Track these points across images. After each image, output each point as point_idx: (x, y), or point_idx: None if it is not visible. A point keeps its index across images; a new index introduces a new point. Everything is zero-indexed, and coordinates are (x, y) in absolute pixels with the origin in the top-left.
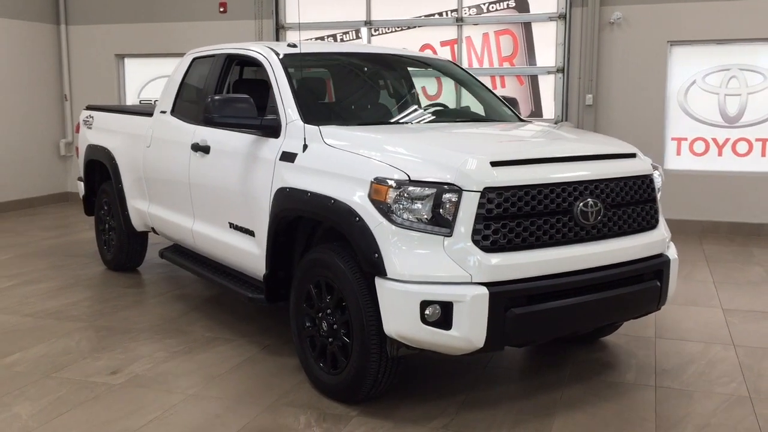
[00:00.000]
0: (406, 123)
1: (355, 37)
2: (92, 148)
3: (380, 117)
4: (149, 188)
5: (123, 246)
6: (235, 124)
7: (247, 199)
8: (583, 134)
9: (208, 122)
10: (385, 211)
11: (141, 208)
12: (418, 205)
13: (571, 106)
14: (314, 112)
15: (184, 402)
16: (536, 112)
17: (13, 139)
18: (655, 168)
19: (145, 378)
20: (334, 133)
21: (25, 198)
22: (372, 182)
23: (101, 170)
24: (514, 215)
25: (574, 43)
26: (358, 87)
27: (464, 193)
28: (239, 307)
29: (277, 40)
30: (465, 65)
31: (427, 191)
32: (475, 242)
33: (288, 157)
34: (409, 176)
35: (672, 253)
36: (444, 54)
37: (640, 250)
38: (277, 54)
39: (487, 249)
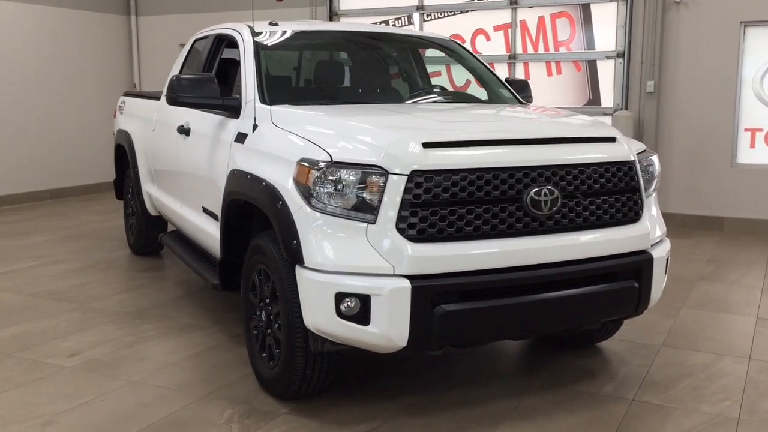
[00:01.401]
0: (372, 103)
1: (407, 23)
2: (119, 133)
3: (348, 97)
4: (155, 172)
5: (142, 230)
6: (197, 103)
7: (211, 181)
8: (565, 117)
9: (172, 102)
10: (306, 194)
11: (151, 192)
12: (341, 189)
13: (632, 94)
14: (276, 92)
15: (122, 389)
16: (594, 101)
17: (84, 127)
18: (645, 154)
19: (99, 362)
20: (283, 113)
21: (90, 184)
22: (297, 163)
23: (125, 155)
24: (447, 202)
25: (636, 25)
26: (334, 67)
27: (390, 176)
28: (232, 296)
29: None
30: (519, 51)
31: (350, 174)
32: (400, 231)
33: (241, 138)
34: (331, 157)
35: (660, 250)
36: (497, 39)
37: (612, 246)
38: (253, 32)
39: (413, 238)
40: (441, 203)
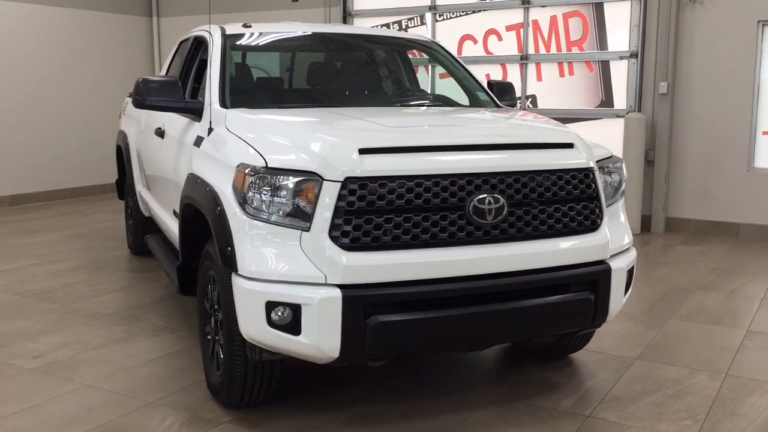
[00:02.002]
0: (339, 106)
1: (419, 23)
2: (119, 134)
3: (315, 100)
4: (143, 173)
5: (138, 230)
6: (160, 106)
7: (176, 185)
8: (528, 123)
9: (137, 104)
10: (242, 200)
11: (142, 193)
12: (276, 195)
13: (646, 95)
14: (238, 95)
15: (73, 392)
16: (606, 102)
17: (104, 127)
18: (609, 161)
19: (59, 364)
20: (237, 117)
21: (109, 183)
22: (235, 168)
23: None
24: (383, 210)
25: (650, 25)
26: (303, 69)
27: (324, 182)
28: None
29: None
30: (531, 51)
31: (285, 180)
32: (334, 239)
33: (198, 141)
34: (266, 163)
35: (621, 261)
36: (509, 39)
37: (564, 256)
38: (223, 33)
39: (346, 247)
40: (376, 211)
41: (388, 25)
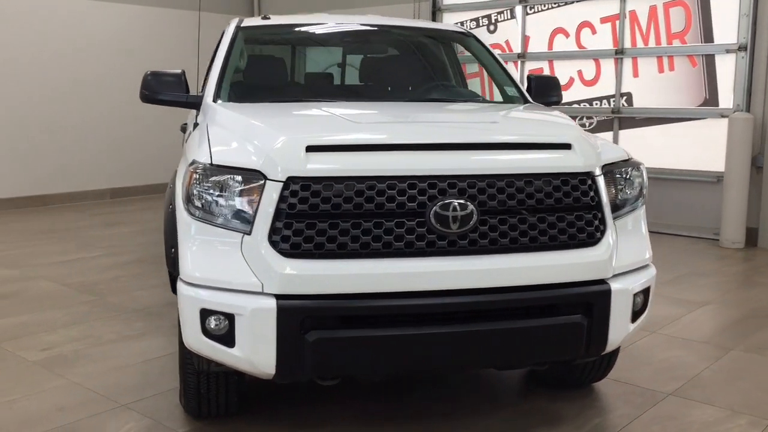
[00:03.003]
0: (335, 101)
1: (509, 17)
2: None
3: (315, 95)
4: None
5: None
6: (162, 100)
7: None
8: (523, 118)
9: (144, 99)
10: (187, 199)
11: None
12: (219, 195)
13: (756, 93)
14: (239, 89)
15: (55, 389)
16: (710, 101)
17: None
18: (623, 165)
19: (60, 359)
20: (221, 112)
21: None
22: (188, 165)
23: None
24: (328, 214)
25: (762, 13)
26: (316, 63)
27: (267, 182)
28: None
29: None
30: (627, 44)
31: (228, 178)
32: (273, 244)
33: (188, 137)
34: (211, 159)
35: (627, 281)
36: (604, 32)
37: (550, 274)
38: (237, 26)
39: (287, 253)
40: (321, 215)
41: (477, 20)
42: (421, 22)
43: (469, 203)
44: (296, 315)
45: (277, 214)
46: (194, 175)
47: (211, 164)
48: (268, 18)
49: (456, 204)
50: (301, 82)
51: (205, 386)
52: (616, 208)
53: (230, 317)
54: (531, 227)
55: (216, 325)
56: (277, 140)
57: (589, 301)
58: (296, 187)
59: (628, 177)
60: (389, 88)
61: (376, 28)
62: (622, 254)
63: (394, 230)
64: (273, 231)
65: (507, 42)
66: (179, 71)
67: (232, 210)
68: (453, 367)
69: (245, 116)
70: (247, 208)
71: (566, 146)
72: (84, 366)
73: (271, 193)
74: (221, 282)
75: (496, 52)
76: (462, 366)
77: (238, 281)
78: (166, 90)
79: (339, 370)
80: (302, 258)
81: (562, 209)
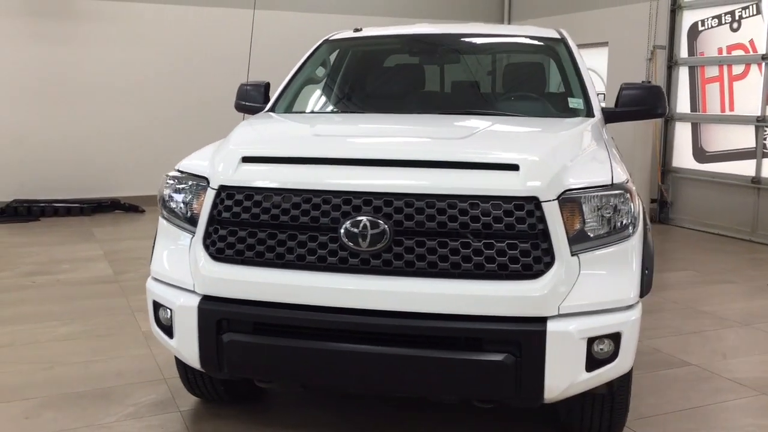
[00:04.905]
0: (368, 113)
1: (754, 12)
2: None
3: (357, 107)
4: None
5: None
6: (246, 107)
7: None
8: (501, 134)
9: (236, 107)
10: (161, 202)
11: None
12: (179, 199)
13: None
14: (301, 100)
15: (33, 371)
16: None
17: None
18: (597, 192)
19: (51, 345)
20: (251, 122)
21: None
22: None
23: None
24: (248, 223)
25: None
26: (384, 74)
27: (208, 189)
28: None
29: (672, 22)
30: None
31: (183, 184)
32: (206, 247)
33: None
34: (179, 166)
35: (575, 323)
36: None
37: (472, 304)
38: (326, 39)
39: (214, 257)
40: (242, 223)
41: (719, 18)
42: (508, 28)
43: (381, 222)
44: (213, 316)
45: (210, 220)
46: (165, 179)
47: (178, 170)
48: (360, 30)
49: (366, 222)
50: (371, 92)
51: (191, 372)
52: (582, 239)
53: (171, 311)
54: (453, 252)
55: (164, 316)
56: (224, 151)
57: (518, 340)
58: (224, 195)
59: (605, 205)
60: (442, 99)
61: (457, 38)
62: (581, 292)
63: (307, 244)
64: (206, 235)
65: (751, 42)
66: (264, 82)
67: (187, 213)
68: (371, 388)
69: (245, 126)
70: (195, 211)
71: (513, 167)
72: (68, 357)
73: (209, 200)
74: (169, 278)
75: (738, 52)
76: (379, 388)
77: (179, 278)
78: (248, 100)
79: (250, 373)
80: (226, 263)
81: (492, 236)
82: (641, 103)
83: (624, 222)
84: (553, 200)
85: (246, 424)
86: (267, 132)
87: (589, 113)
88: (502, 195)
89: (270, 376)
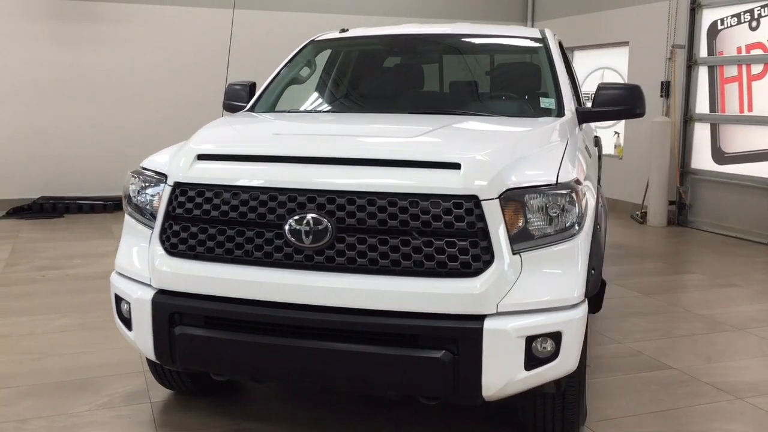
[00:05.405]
0: (343, 112)
1: None
2: None
3: (339, 106)
4: None
5: None
6: (232, 107)
7: None
8: (447, 132)
9: (224, 107)
10: (126, 198)
11: None
12: (141, 196)
13: None
14: (284, 100)
15: (22, 361)
16: None
17: None
18: (545, 190)
19: (45, 336)
20: (220, 121)
21: None
22: None
23: None
24: (198, 219)
25: None
26: (367, 75)
27: (165, 185)
28: None
29: (692, 21)
30: None
31: (144, 180)
32: (162, 242)
33: None
34: (143, 163)
35: (513, 322)
36: None
37: (410, 301)
38: (312, 40)
39: (168, 252)
40: (194, 219)
41: (738, 16)
42: (493, 28)
43: (324, 219)
44: (166, 309)
45: (166, 216)
46: (129, 176)
47: (142, 167)
48: (346, 30)
49: (310, 218)
50: (351, 92)
51: (159, 364)
52: (525, 237)
53: (129, 304)
54: (393, 250)
55: (125, 308)
56: (183, 148)
57: (455, 337)
58: (179, 191)
59: (549, 204)
60: (419, 98)
61: (440, 38)
62: (522, 291)
63: (255, 240)
64: (162, 230)
65: None
66: (249, 82)
67: (148, 209)
68: (312, 381)
69: (211, 125)
70: (154, 207)
71: (454, 166)
72: (64, 347)
73: (165, 196)
74: (129, 272)
75: (757, 51)
76: (320, 381)
77: (137, 272)
78: (238, 99)
79: (200, 365)
80: (180, 258)
81: (432, 234)
82: (621, 103)
83: (569, 221)
84: (494, 199)
85: (212, 416)
86: (228, 131)
87: (561, 113)
88: (442, 193)
89: (219, 368)
